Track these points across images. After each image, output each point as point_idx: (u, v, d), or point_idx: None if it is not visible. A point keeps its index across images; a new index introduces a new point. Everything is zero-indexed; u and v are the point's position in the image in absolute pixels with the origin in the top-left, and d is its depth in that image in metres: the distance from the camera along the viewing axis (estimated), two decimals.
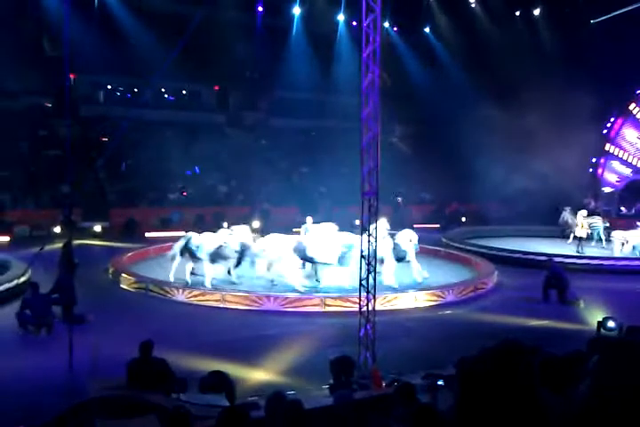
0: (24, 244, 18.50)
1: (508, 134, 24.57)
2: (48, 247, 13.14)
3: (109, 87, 32.24)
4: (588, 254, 20.04)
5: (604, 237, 21.98)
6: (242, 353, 9.92)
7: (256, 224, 19.77)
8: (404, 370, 8.64)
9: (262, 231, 17.47)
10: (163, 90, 33.14)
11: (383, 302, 12.83)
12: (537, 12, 32.30)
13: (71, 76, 26.40)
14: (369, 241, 9.33)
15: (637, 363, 2.14)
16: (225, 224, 17.49)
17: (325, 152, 29.46)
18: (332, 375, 6.74)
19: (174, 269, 15.01)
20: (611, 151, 29.03)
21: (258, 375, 9.11)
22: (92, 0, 27.51)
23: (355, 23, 28.98)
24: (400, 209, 27.49)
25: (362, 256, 9.40)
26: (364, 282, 9.36)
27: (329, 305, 13.15)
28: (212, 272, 14.70)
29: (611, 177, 29.32)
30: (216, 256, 14.70)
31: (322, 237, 14.96)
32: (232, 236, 15.17)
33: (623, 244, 20.18)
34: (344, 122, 28.05)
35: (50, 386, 8.26)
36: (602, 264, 18.76)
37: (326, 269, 15.00)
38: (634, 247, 20.05)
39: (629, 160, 28.43)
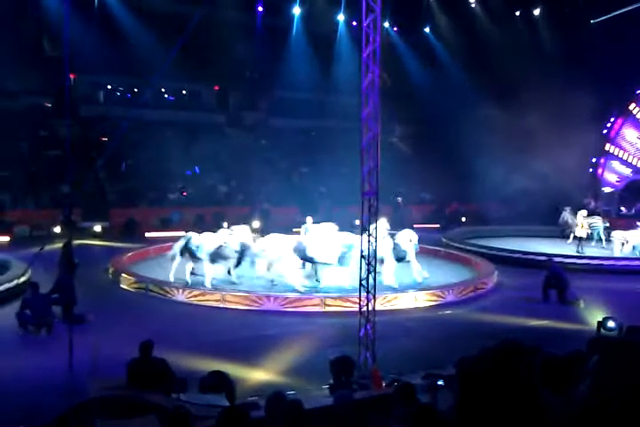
0: (24, 244, 18.50)
1: (508, 134, 24.57)
2: (48, 247, 13.14)
3: (109, 87, 32.24)
4: (588, 254, 20.05)
5: (603, 237, 21.99)
6: (242, 353, 9.92)
7: (256, 224, 19.78)
8: (404, 370, 8.64)
9: (262, 231, 17.47)
10: (163, 90, 33.14)
11: (383, 302, 12.83)
12: (537, 12, 32.31)
13: (71, 76, 26.41)
14: (369, 241, 9.33)
15: (638, 363, 2.14)
16: (225, 224, 17.49)
17: (325, 152, 29.46)
18: (332, 375, 6.74)
19: (174, 269, 15.01)
20: (611, 151, 29.03)
21: (258, 375, 9.11)
22: (91, 0, 27.52)
23: (355, 23, 28.98)
24: (400, 209, 27.49)
25: (362, 256, 9.40)
26: (363, 282, 9.37)
27: (329, 305, 13.15)
28: (211, 272, 14.70)
29: (611, 177, 29.32)
30: (216, 256, 14.70)
31: (322, 237, 14.96)
32: (232, 236, 15.17)
33: (623, 244, 20.19)
34: (344, 122, 28.05)
35: (50, 386, 8.26)
36: (602, 264, 18.76)
37: (326, 269, 15.01)
38: (634, 247, 20.06)
39: (629, 160, 28.43)
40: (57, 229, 21.42)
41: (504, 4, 31.12)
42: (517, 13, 32.58)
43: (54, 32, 25.42)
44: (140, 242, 20.89)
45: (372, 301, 9.39)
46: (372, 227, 9.38)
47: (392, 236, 15.42)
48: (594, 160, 29.47)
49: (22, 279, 13.75)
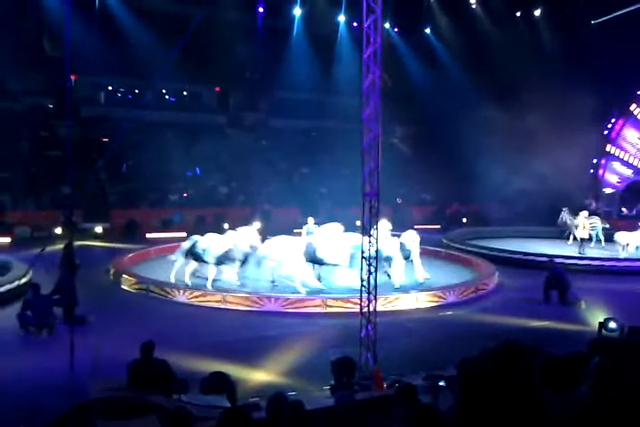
0: (25, 245, 18.52)
1: (508, 135, 24.57)
2: (49, 248, 13.15)
3: (110, 88, 32.27)
4: (589, 255, 20.03)
5: (602, 238, 21.98)
6: (243, 354, 9.92)
7: (257, 225, 19.74)
8: (405, 371, 8.65)
9: (263, 232, 17.46)
10: (163, 91, 33.16)
11: (384, 303, 12.79)
12: (537, 12, 32.35)
13: (72, 77, 26.46)
14: (369, 242, 9.33)
15: (638, 364, 2.14)
16: (225, 225, 17.44)
17: (326, 153, 29.46)
18: (333, 376, 6.74)
19: (175, 270, 15.01)
20: (611, 152, 29.00)
21: (259, 376, 9.11)
22: (92, 0, 27.53)
23: (355, 24, 29.04)
24: (400, 210, 27.47)
25: (363, 257, 9.40)
26: (364, 283, 9.36)
27: (330, 306, 13.15)
28: (215, 274, 14.68)
29: (611, 178, 29.30)
30: (224, 259, 14.66)
31: (330, 238, 14.94)
32: (239, 237, 15.05)
33: (623, 247, 20.14)
34: (345, 123, 28.08)
35: (51, 387, 8.26)
36: (603, 265, 18.74)
37: (336, 270, 15.01)
38: (637, 248, 20.07)
39: (630, 161, 28.41)
40: (58, 231, 21.39)
41: (505, 4, 31.16)
42: (518, 14, 32.61)
43: (55, 33, 25.45)
44: (140, 243, 20.88)
45: (373, 302, 9.39)
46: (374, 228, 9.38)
47: (396, 236, 15.47)
48: (594, 161, 29.44)
49: (23, 280, 13.74)
